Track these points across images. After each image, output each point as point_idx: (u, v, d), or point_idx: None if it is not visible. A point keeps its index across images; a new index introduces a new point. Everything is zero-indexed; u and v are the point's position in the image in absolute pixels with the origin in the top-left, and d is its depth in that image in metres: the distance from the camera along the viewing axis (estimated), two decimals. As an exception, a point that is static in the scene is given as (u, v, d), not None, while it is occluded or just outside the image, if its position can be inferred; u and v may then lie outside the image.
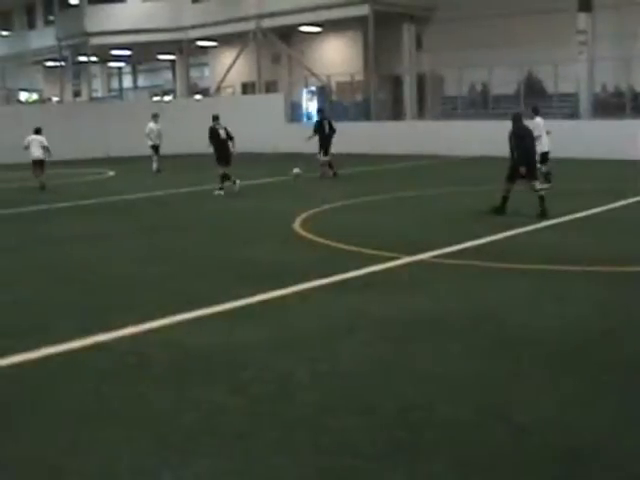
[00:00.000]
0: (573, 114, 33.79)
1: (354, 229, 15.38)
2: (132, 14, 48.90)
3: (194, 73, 55.48)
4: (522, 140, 16.25)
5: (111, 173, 31.93)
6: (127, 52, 56.39)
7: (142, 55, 59.36)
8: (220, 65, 50.34)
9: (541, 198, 15.99)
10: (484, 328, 8.44)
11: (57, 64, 56.26)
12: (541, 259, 11.89)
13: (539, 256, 12.15)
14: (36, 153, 26.27)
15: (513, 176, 16.26)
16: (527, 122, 17.14)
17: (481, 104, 36.80)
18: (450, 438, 5.65)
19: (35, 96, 64.25)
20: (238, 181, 22.35)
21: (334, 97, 44.01)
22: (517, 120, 16.61)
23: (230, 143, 22.66)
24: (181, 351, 7.87)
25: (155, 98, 57.26)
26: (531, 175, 16.22)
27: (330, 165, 26.79)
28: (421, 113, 40.37)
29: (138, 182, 27.73)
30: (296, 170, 26.03)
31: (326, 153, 26.86)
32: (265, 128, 39.87)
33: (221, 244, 14.32)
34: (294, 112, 44.53)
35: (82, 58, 53.99)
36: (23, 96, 62.44)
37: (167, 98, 56.32)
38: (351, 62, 43.57)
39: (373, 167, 29.96)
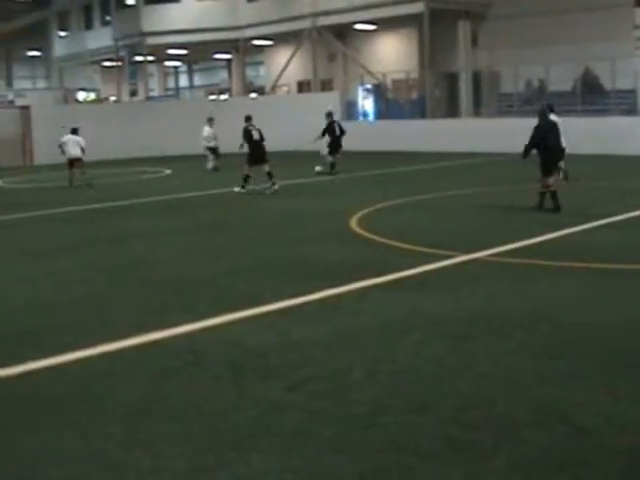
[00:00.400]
0: (631, 110, 33.39)
1: (409, 227, 15.34)
2: (188, 13, 49.21)
3: (250, 72, 55.68)
4: (545, 135, 16.36)
5: (168, 172, 32.16)
6: (183, 51, 56.77)
7: (198, 54, 59.74)
8: (276, 64, 50.44)
9: (554, 193, 16.11)
10: (541, 327, 8.38)
11: (114, 64, 56.82)
12: (599, 258, 11.77)
13: (596, 255, 12.02)
14: (73, 152, 27.22)
15: (548, 170, 16.30)
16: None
17: (537, 101, 36.47)
18: (509, 437, 5.62)
19: (92, 96, 64.87)
20: (276, 186, 22.40)
21: (389, 95, 43.90)
22: (543, 114, 16.77)
23: (264, 144, 22.88)
24: (238, 349, 7.91)
25: (211, 97, 57.53)
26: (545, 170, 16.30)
27: (332, 165, 27.58)
28: (477, 110, 40.13)
29: (194, 180, 27.89)
30: (317, 168, 27.54)
31: (332, 153, 27.69)
32: (321, 127, 39.86)
33: (277, 242, 14.35)
34: (350, 110, 44.48)
35: (139, 58, 54.44)
36: (81, 96, 63.05)
37: (223, 97, 56.57)
38: (406, 60, 43.42)
39: (428, 165, 29.85)
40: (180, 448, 5.67)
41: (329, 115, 28.53)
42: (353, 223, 15.76)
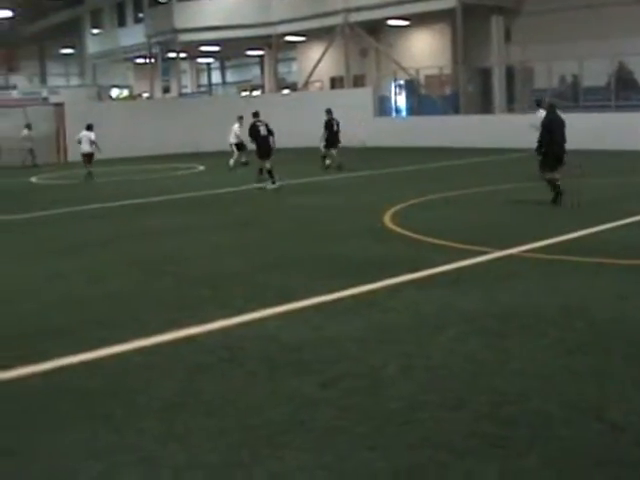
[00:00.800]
0: (665, 106, 33.12)
1: (443, 223, 15.31)
2: (220, 10, 49.30)
3: (282, 68, 55.70)
4: (552, 130, 16.62)
5: (201, 168, 32.30)
6: (215, 48, 56.89)
7: (230, 51, 59.84)
8: (308, 60, 50.45)
9: (554, 186, 16.54)
10: (575, 323, 8.34)
11: (147, 61, 57.01)
12: (630, 255, 11.69)
13: (628, 252, 11.94)
14: (85, 147, 29.19)
15: (554, 165, 16.65)
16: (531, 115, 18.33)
17: (571, 96, 36.24)
18: (543, 434, 5.60)
19: (126, 92, 65.20)
20: (278, 183, 22.86)
21: (422, 91, 43.79)
22: (552, 110, 17.07)
23: (271, 138, 23.34)
24: (272, 344, 7.94)
25: (243, 93, 57.65)
26: (551, 165, 16.64)
27: (324, 157, 28.89)
28: (510, 106, 39.92)
29: (226, 177, 27.97)
30: (328, 161, 28.72)
31: (328, 147, 28.83)
32: (354, 123, 39.83)
33: (310, 238, 14.38)
34: (382, 106, 44.41)
35: (171, 54, 54.60)
36: (114, 93, 63.38)
37: (255, 93, 56.67)
38: (439, 55, 43.28)
39: (462, 161, 29.77)
40: (215, 443, 5.70)
41: (328, 112, 29.35)
42: (386, 219, 15.75)
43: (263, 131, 23.30)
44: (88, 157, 29.23)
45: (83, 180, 28.54)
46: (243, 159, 31.05)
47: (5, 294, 11.05)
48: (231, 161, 31.15)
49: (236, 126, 31.48)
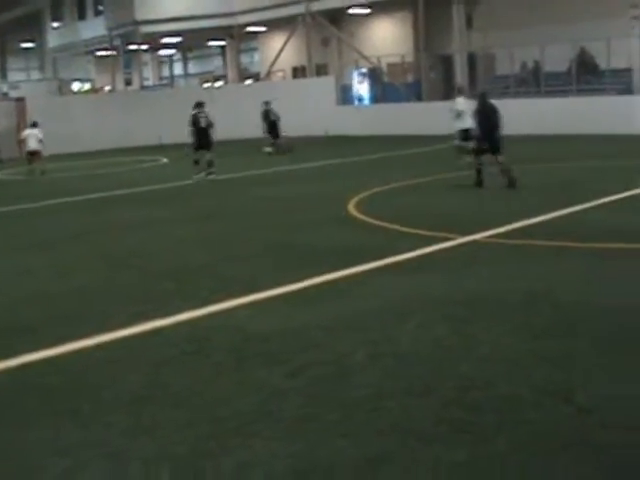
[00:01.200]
0: (626, 90, 33.31)
1: (407, 210, 15.34)
2: (181, 1, 49.04)
3: (244, 58, 55.58)
4: (487, 117, 17.60)
5: (165, 160, 32.15)
6: (177, 39, 56.62)
7: (192, 42, 59.59)
8: (270, 50, 50.35)
9: (506, 170, 17.17)
10: (540, 307, 8.38)
11: (108, 53, 56.66)
12: (594, 237, 11.74)
13: (592, 234, 12.00)
14: (32, 145, 29.10)
15: (480, 150, 17.66)
16: (450, 101, 20.12)
17: (533, 82, 36.37)
18: (511, 418, 5.63)
19: (87, 86, 64.77)
20: (213, 176, 23.44)
21: (385, 79, 43.82)
22: (483, 98, 18.18)
23: (211, 130, 23.81)
24: (240, 335, 7.92)
25: (206, 85, 57.43)
26: (495, 149, 17.34)
27: (274, 144, 31.45)
28: (473, 93, 39.97)
29: (190, 169, 27.85)
30: (267, 149, 31.14)
31: (277, 136, 31.45)
32: (316, 112, 39.77)
33: (274, 228, 14.35)
34: (345, 95, 44.39)
35: (133, 47, 54.30)
36: (75, 86, 62.94)
37: (218, 84, 56.48)
38: (401, 43, 43.34)
39: (426, 148, 29.81)
40: (183, 434, 5.69)
41: (266, 104, 31.55)
42: (351, 207, 15.76)
43: (204, 122, 23.69)
44: (34, 155, 29.18)
45: (29, 176, 28.60)
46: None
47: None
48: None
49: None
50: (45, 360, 7.58)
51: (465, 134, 21.06)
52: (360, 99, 45.19)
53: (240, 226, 14.92)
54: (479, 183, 17.68)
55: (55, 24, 67.98)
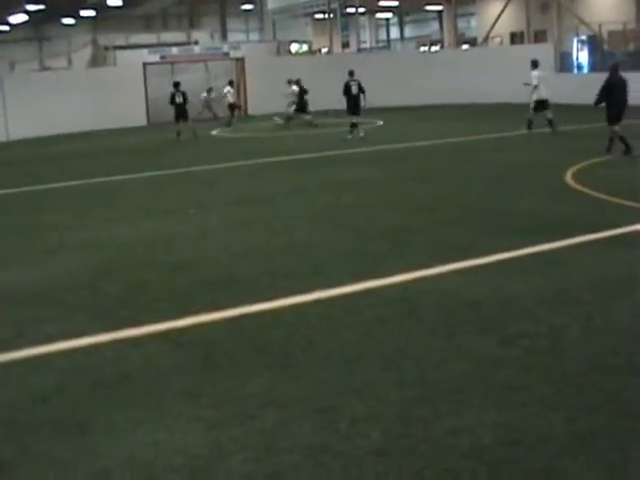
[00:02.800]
0: None
1: (628, 183, 14.78)
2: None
3: (461, 23, 54.93)
4: (613, 89, 18.58)
5: (380, 122, 32.30)
6: (394, 3, 56.56)
7: (409, 6, 59.41)
8: (488, 15, 49.53)
9: (621, 138, 18.09)
10: None
11: (326, 16, 57.17)
12: None
13: None
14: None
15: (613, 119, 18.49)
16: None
17: None
18: None
19: (305, 48, 65.59)
20: (362, 133, 25.55)
21: (605, 47, 42.39)
22: (614, 71, 19.12)
23: (362, 96, 25.83)
24: (451, 300, 7.89)
25: (422, 48, 57.19)
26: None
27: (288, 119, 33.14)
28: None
29: (403, 132, 27.91)
30: (276, 118, 33.83)
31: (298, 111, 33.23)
32: (527, 79, 38.85)
33: (490, 195, 14.14)
34: (564, 62, 43.21)
35: (350, 10, 54.59)
36: (293, 48, 63.87)
37: (434, 49, 56.13)
38: (624, 10, 41.76)
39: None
40: (393, 396, 5.72)
41: (291, 82, 33.56)
42: (570, 177, 15.34)
43: (354, 90, 25.77)
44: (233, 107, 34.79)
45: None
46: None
47: (196, 242, 11.52)
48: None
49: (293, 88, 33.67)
50: (262, 312, 7.78)
51: (541, 105, 23.78)
52: (579, 67, 43.93)
53: (460, 190, 14.74)
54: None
55: (276, -14, 69.08)
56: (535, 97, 23.93)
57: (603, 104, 18.88)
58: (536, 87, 24.06)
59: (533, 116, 23.92)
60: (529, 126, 23.84)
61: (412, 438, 5.12)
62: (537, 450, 4.90)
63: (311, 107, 33.49)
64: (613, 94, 18.49)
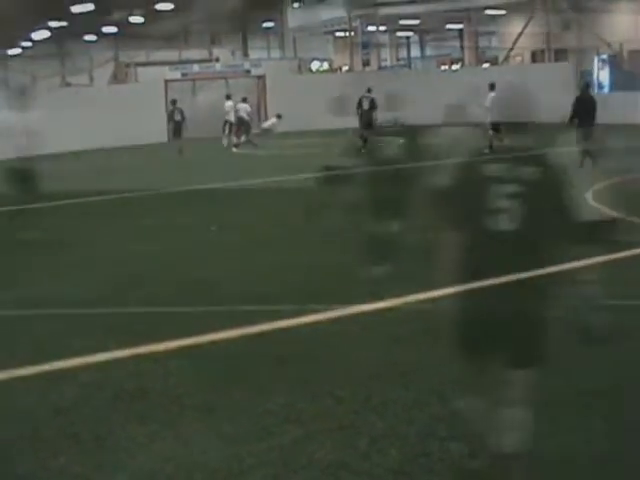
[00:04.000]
0: None
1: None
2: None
3: (482, 42, 54.98)
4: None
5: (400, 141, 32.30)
6: (415, 21, 56.65)
7: (430, 24, 59.47)
8: (508, 33, 49.57)
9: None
10: None
11: (346, 34, 57.33)
12: None
13: None
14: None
15: None
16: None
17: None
18: None
19: (325, 65, 65.78)
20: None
21: (625, 66, 42.30)
22: (585, 88, 21.75)
23: (373, 112, 27.06)
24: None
25: (443, 67, 57.27)
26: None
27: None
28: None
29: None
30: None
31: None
32: (553, 97, 38.83)
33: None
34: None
35: (371, 28, 54.74)
36: (314, 65, 64.07)
37: (455, 67, 56.19)
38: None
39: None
40: (412, 415, 5.72)
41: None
42: (591, 197, 15.19)
43: (365, 105, 27.86)
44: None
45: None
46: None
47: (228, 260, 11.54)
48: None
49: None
50: (282, 330, 7.78)
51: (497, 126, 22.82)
52: (600, 86, 43.88)
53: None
54: None
55: (295, 5, 69.31)
56: (489, 119, 23.24)
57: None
58: (488, 109, 23.71)
59: (494, 136, 23.13)
60: (491, 147, 23.54)
61: (430, 457, 5.12)
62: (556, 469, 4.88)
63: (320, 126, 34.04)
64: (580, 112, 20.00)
